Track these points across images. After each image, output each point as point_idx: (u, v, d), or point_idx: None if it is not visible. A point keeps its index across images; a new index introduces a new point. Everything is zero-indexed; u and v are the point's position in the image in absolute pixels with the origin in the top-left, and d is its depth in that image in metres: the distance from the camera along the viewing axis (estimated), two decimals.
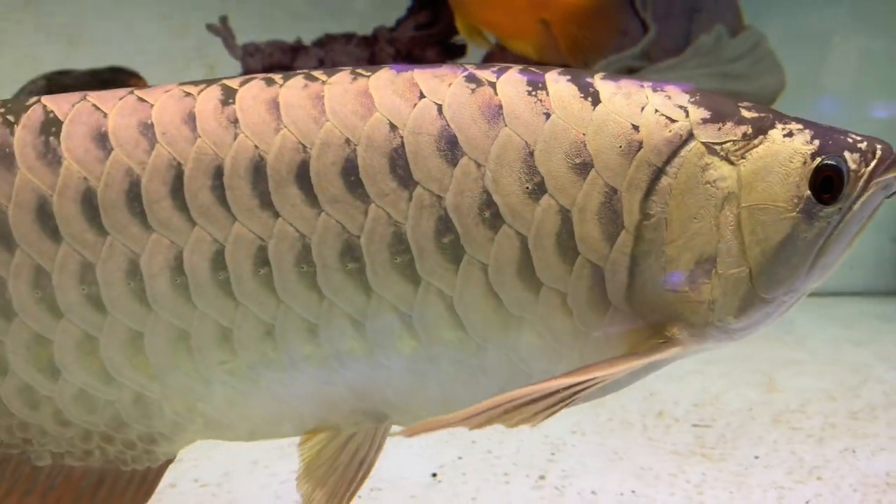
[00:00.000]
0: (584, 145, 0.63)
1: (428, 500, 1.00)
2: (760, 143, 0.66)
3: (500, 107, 0.63)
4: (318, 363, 0.66)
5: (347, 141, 0.62)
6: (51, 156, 0.63)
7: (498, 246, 0.63)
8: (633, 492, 1.01)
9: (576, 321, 0.64)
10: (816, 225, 0.65)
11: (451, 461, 1.08)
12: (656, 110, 0.65)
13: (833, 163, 0.65)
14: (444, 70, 0.66)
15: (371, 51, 1.63)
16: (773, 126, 0.66)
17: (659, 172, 0.64)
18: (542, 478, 1.05)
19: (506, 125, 0.63)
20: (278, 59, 1.58)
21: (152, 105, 0.64)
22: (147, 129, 0.63)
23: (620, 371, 0.62)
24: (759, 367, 1.56)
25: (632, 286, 0.64)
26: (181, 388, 0.66)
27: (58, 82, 1.49)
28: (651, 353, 0.64)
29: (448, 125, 0.63)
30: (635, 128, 0.64)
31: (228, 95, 0.64)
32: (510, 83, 0.64)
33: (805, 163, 0.65)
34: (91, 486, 0.70)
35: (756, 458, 1.13)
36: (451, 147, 0.62)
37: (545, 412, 0.61)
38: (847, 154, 0.66)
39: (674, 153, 0.64)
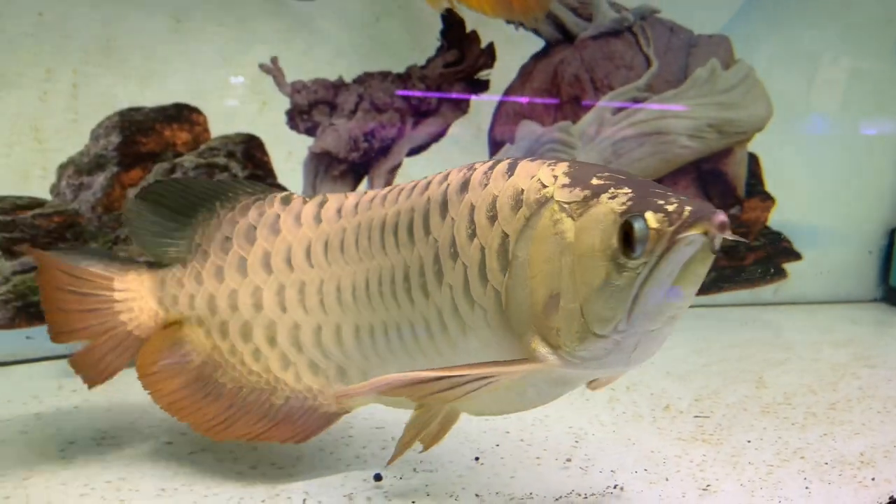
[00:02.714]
0: (495, 202, 0.87)
1: (474, 478, 1.12)
2: (595, 204, 0.78)
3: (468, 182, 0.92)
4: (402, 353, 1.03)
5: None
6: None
7: (456, 271, 0.90)
8: (645, 470, 1.15)
9: (495, 331, 0.88)
10: (626, 274, 0.75)
11: (490, 447, 1.22)
12: (538, 179, 0.84)
13: (631, 221, 0.74)
14: (462, 169, 0.95)
15: (405, 86, 1.81)
16: (605, 191, 0.78)
17: (527, 224, 0.82)
18: (568, 460, 1.19)
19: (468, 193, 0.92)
20: (322, 96, 1.75)
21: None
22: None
23: (478, 373, 0.81)
24: (750, 367, 1.68)
25: (508, 310, 0.84)
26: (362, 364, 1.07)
27: (130, 118, 1.66)
28: (509, 365, 0.83)
29: (446, 194, 0.94)
30: (521, 190, 0.85)
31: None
32: (481, 169, 0.92)
33: (615, 220, 0.76)
34: (301, 414, 1.09)
35: (748, 441, 1.27)
36: (443, 208, 0.93)
37: (428, 394, 0.87)
38: (650, 214, 0.74)
39: (539, 209, 0.82)
